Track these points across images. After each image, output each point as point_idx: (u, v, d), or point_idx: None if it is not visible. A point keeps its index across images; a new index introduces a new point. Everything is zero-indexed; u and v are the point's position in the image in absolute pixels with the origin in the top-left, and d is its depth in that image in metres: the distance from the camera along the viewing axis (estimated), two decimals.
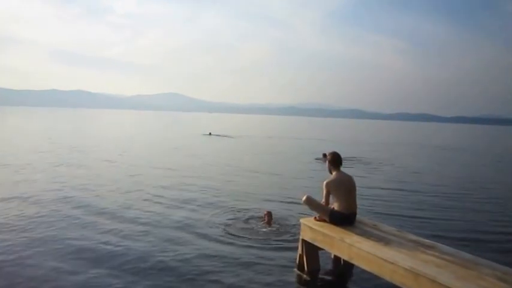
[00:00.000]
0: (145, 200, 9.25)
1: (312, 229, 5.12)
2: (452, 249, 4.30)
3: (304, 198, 5.34)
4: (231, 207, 8.66)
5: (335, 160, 5.39)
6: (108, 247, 6.00)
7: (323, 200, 5.25)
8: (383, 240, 4.52)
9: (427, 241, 4.55)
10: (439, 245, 4.43)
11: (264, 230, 6.96)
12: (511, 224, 8.34)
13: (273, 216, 7.49)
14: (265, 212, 7.50)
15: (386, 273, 4.03)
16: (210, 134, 36.57)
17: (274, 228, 7.05)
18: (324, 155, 19.07)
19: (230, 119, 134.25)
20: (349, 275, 5.31)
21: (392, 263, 3.93)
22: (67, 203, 8.68)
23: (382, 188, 11.85)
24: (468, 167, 19.74)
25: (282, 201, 9.49)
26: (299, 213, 7.87)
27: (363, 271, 4.52)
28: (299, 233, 5.47)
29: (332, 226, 5.04)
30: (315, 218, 5.33)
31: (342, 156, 5.50)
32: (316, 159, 19.28)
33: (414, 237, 4.68)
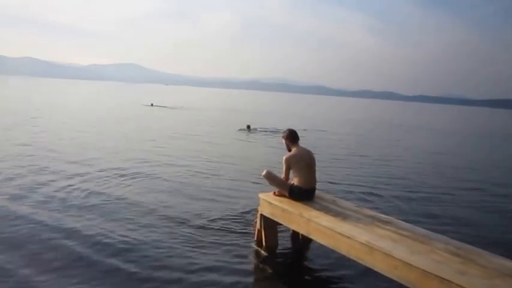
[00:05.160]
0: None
1: (271, 204, 5.19)
2: (408, 224, 4.50)
3: (264, 172, 5.39)
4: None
5: (292, 136, 5.48)
6: None
7: (283, 175, 5.33)
8: (341, 215, 4.65)
9: (384, 216, 4.73)
10: (396, 220, 4.62)
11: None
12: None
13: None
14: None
15: (343, 248, 4.16)
16: (152, 105, 37.01)
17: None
18: (248, 127, 20.28)
19: (185, 91, 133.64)
20: (307, 250, 5.47)
21: (348, 238, 4.06)
22: None
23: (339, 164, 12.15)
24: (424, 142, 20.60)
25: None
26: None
27: (321, 246, 4.65)
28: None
29: (291, 201, 5.13)
30: (274, 193, 5.40)
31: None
32: (240, 130, 20.22)
33: (371, 213, 4.86)
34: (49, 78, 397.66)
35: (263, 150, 14.49)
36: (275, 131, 20.04)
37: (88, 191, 7.47)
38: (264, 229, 5.35)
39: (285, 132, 5.58)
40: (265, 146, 15.71)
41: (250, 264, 4.99)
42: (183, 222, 6.14)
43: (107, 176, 8.72)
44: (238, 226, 6.11)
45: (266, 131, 20.24)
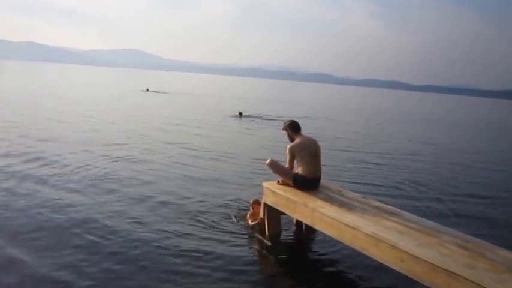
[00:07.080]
0: None
1: (275, 193, 5.18)
2: (415, 216, 4.48)
3: (268, 161, 5.38)
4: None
5: (294, 127, 5.47)
6: None
7: (287, 164, 5.30)
8: (346, 205, 4.63)
9: (390, 208, 4.71)
10: (403, 212, 4.60)
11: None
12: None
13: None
14: (251, 202, 5.91)
15: (347, 239, 4.15)
16: (147, 90, 38.46)
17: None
18: (240, 113, 20.55)
19: (185, 78, 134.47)
20: (311, 240, 5.47)
21: (354, 228, 4.05)
22: None
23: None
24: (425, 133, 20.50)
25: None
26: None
27: (324, 236, 4.65)
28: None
29: (295, 190, 5.11)
30: (278, 181, 5.39)
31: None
32: (231, 116, 20.44)
33: (378, 204, 4.83)
34: (50, 63, 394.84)
35: (252, 138, 14.52)
36: (268, 119, 20.24)
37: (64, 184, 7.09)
38: (267, 218, 5.34)
39: (285, 123, 5.56)
40: (255, 133, 15.78)
41: (252, 253, 5.00)
42: (183, 211, 6.15)
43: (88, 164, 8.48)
44: (236, 214, 6.09)
45: (259, 118, 20.39)
